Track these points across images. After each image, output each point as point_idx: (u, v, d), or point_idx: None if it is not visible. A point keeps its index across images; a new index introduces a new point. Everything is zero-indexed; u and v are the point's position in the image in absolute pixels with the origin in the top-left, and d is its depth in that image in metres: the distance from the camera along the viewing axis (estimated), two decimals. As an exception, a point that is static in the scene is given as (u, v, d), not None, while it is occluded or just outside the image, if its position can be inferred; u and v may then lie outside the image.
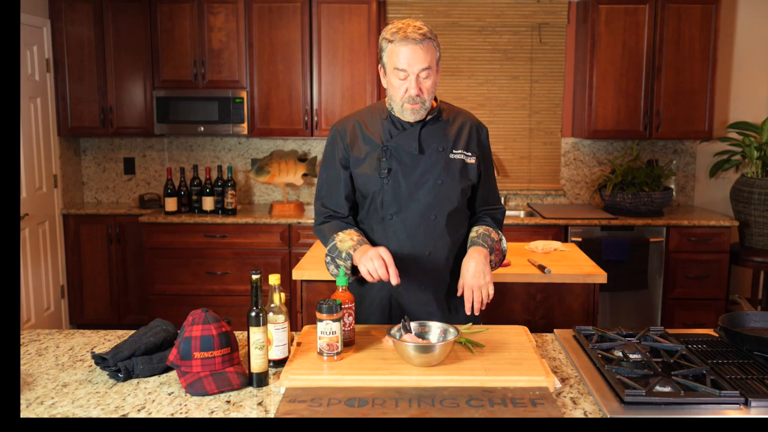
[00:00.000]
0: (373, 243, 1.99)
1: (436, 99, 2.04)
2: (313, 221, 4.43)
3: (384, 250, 1.82)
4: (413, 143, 1.96)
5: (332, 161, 2.04)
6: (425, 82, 1.89)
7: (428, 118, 1.99)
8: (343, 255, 1.90)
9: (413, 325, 1.76)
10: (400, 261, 1.93)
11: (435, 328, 1.77)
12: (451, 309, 2.04)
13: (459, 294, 1.91)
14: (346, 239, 1.92)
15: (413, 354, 1.63)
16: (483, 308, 1.89)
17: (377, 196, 1.97)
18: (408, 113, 1.93)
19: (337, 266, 1.93)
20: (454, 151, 2.00)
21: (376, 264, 1.79)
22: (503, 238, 2.07)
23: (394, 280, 1.79)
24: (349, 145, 2.01)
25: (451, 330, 1.73)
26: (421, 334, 1.76)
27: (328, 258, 1.98)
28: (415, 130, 1.97)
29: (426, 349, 1.64)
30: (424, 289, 1.99)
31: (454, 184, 1.97)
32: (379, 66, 1.98)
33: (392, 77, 1.90)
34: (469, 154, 2.01)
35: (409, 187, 1.96)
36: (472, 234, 2.03)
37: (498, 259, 2.02)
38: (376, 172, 1.96)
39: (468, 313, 1.89)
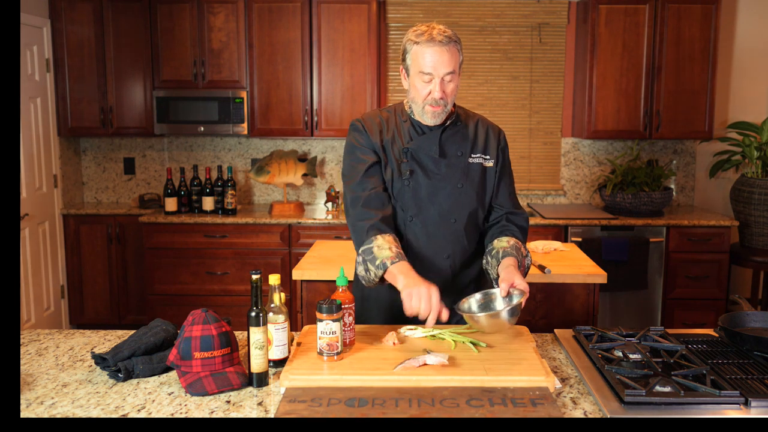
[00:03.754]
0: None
1: (454, 104, 2.04)
2: (312, 221, 4.44)
3: (435, 292, 1.71)
4: (434, 147, 1.96)
5: (362, 148, 1.98)
6: (449, 86, 1.89)
7: (448, 122, 2.00)
8: (377, 263, 1.81)
9: (478, 296, 1.87)
10: (419, 263, 1.92)
11: (498, 295, 1.84)
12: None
13: (504, 294, 1.83)
14: (385, 247, 1.82)
15: (486, 323, 1.73)
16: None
17: (398, 198, 1.97)
18: (429, 116, 1.93)
19: (367, 270, 1.85)
20: (472, 155, 2.00)
21: (423, 307, 1.70)
22: (529, 255, 2.03)
23: (432, 323, 1.73)
24: (376, 137, 1.99)
25: (516, 292, 1.79)
26: (487, 304, 1.85)
27: (360, 258, 1.89)
28: (435, 134, 1.97)
29: (495, 315, 1.72)
30: (440, 292, 1.98)
31: (474, 188, 1.98)
32: (401, 68, 1.98)
33: (416, 79, 1.90)
34: (488, 157, 2.02)
35: (429, 189, 1.96)
36: (503, 244, 1.96)
37: (522, 272, 1.96)
38: (396, 173, 1.96)
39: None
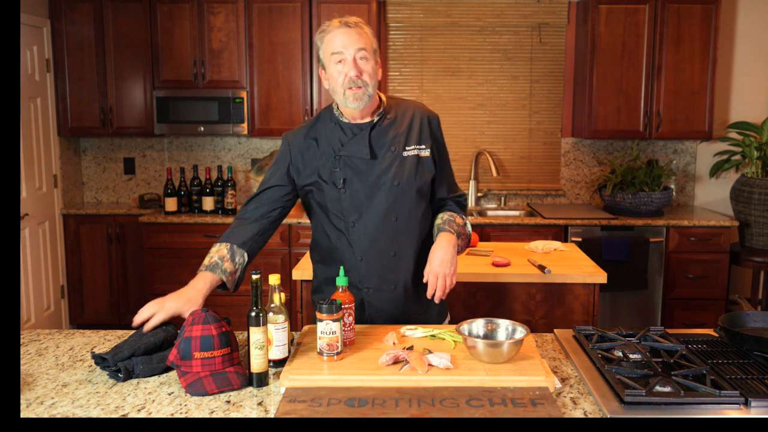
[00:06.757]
0: (336, 251, 2.00)
1: (381, 99, 2.01)
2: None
3: (166, 305, 1.78)
4: (364, 149, 1.93)
5: (277, 168, 2.04)
6: (363, 64, 1.87)
7: (376, 119, 1.97)
8: (217, 260, 1.94)
9: (481, 322, 1.80)
10: (367, 265, 1.96)
11: (502, 326, 1.78)
12: (423, 303, 2.05)
13: (424, 280, 1.90)
14: (211, 254, 1.95)
15: (482, 350, 1.65)
16: (444, 297, 1.90)
17: (336, 205, 1.96)
18: (351, 100, 1.88)
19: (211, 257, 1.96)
20: (407, 148, 1.97)
21: (142, 314, 1.76)
22: (468, 222, 2.07)
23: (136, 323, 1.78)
24: (300, 159, 2.00)
25: (519, 328, 1.74)
26: (490, 333, 1.78)
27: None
28: (364, 135, 1.94)
29: (495, 345, 1.66)
30: (394, 289, 2.00)
31: (411, 182, 1.96)
32: (320, 70, 1.97)
33: (331, 66, 1.89)
34: (423, 146, 1.99)
35: (366, 192, 1.94)
36: (438, 221, 2.03)
37: (464, 243, 2.02)
38: (331, 182, 1.95)
39: (428, 297, 1.89)
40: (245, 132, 4.54)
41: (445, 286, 1.88)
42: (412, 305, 2.05)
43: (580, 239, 4.22)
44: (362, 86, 1.87)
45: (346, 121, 1.97)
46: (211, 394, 1.54)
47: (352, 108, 1.91)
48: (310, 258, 2.16)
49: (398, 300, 2.01)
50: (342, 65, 1.87)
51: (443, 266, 1.88)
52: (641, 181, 4.45)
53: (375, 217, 1.95)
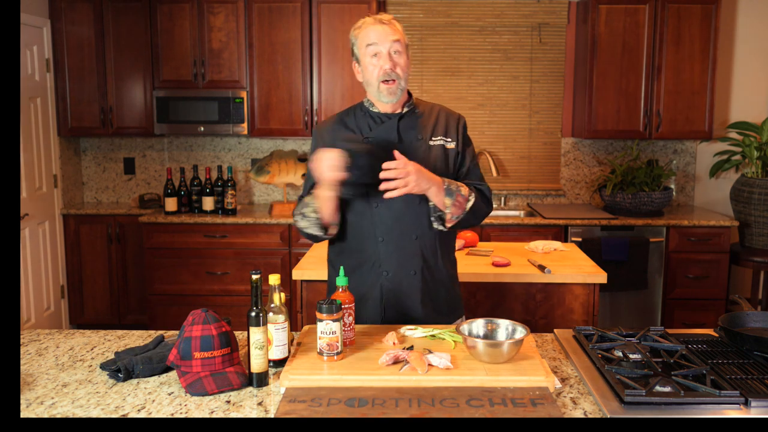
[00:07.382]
0: (355, 235, 2.04)
1: (410, 95, 2.09)
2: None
3: (330, 154, 1.83)
4: (393, 134, 2.01)
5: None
6: (397, 58, 1.95)
7: (405, 110, 2.05)
8: (307, 200, 1.97)
9: (481, 322, 1.78)
10: (388, 246, 1.99)
11: (502, 326, 1.78)
12: (434, 296, 2.06)
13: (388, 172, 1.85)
14: (313, 198, 1.97)
15: (482, 350, 1.65)
16: (392, 189, 1.85)
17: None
18: (384, 94, 1.97)
19: (305, 216, 1.98)
20: (433, 138, 2.04)
21: (318, 167, 1.82)
22: (472, 200, 2.01)
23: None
24: (332, 144, 2.00)
25: (519, 328, 1.73)
26: (490, 333, 1.78)
27: (299, 218, 2.02)
28: (393, 122, 2.02)
29: (495, 345, 1.66)
30: (413, 275, 2.01)
31: (435, 170, 1.99)
32: (354, 64, 2.05)
33: (366, 59, 1.97)
34: (449, 139, 2.06)
35: None
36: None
37: (459, 212, 1.97)
38: None
39: (383, 169, 1.84)
40: (245, 132, 4.54)
41: (404, 175, 1.82)
42: (428, 299, 2.04)
43: (580, 239, 4.22)
44: (396, 79, 1.96)
45: (376, 110, 2.06)
46: (211, 394, 1.54)
47: (386, 102, 2.00)
48: (329, 256, 2.18)
49: (415, 288, 2.01)
50: (377, 58, 1.96)
51: (415, 164, 1.85)
52: (641, 181, 4.45)
53: (399, 199, 1.97)
